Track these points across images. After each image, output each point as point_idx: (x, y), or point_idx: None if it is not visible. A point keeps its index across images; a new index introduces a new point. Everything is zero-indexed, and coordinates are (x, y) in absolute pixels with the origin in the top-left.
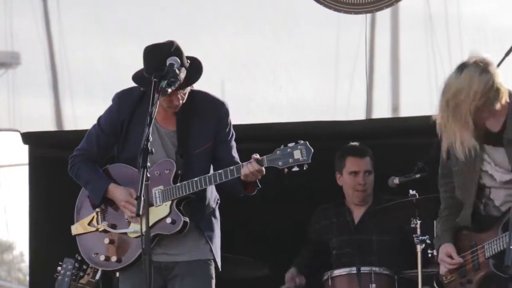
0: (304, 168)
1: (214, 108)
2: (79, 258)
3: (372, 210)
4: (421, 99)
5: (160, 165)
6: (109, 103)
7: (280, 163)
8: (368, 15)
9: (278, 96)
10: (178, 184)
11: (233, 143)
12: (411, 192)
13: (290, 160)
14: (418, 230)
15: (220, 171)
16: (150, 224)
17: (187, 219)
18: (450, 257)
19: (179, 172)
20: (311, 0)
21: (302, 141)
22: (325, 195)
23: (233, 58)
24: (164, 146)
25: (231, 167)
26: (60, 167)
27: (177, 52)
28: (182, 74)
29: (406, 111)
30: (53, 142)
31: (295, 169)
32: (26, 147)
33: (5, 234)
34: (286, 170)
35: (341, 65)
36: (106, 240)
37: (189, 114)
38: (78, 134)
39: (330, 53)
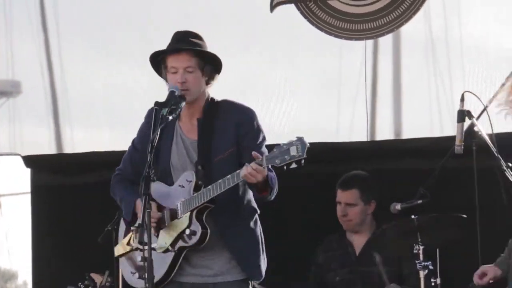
0: (302, 164)
1: (235, 114)
2: (82, 286)
3: (371, 240)
4: (423, 123)
5: (183, 177)
6: (108, 128)
7: (277, 161)
8: (369, 40)
9: (280, 120)
10: (195, 194)
11: (264, 150)
12: (414, 219)
13: (287, 157)
14: (421, 256)
15: (224, 178)
16: (174, 237)
17: (207, 229)
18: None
19: (200, 182)
20: (312, 27)
21: (297, 137)
22: (329, 222)
23: (236, 83)
24: (189, 156)
25: (232, 173)
26: (62, 194)
27: (204, 44)
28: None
29: (408, 135)
30: (54, 166)
31: (293, 166)
32: (28, 175)
33: (7, 262)
34: (285, 167)
35: (343, 90)
36: (139, 258)
37: (211, 122)
38: (77, 157)
39: (332, 78)
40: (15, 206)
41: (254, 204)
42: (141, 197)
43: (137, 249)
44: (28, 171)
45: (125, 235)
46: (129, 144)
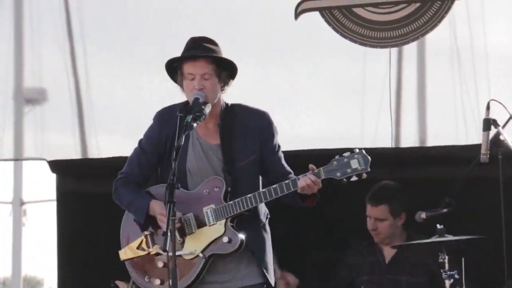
0: (363, 177)
1: (256, 119)
2: None
3: (399, 249)
4: (448, 130)
5: (208, 183)
6: (133, 135)
7: (338, 173)
8: (394, 49)
9: (305, 127)
10: (231, 201)
11: (281, 154)
12: (438, 226)
13: (348, 170)
14: (446, 265)
15: (275, 185)
16: (205, 244)
17: (243, 237)
18: None
19: (229, 189)
20: (336, 35)
21: (357, 150)
22: (352, 228)
23: (259, 90)
24: (209, 161)
25: (286, 181)
26: (88, 201)
27: (219, 49)
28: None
29: (433, 142)
30: (80, 171)
31: (354, 178)
32: (53, 182)
33: (33, 270)
34: (345, 180)
35: (367, 97)
36: (160, 264)
37: (231, 127)
38: (102, 162)
39: (356, 85)
40: (40, 213)
41: (265, 207)
42: (166, 205)
43: (157, 254)
44: (53, 177)
45: (128, 238)
46: None
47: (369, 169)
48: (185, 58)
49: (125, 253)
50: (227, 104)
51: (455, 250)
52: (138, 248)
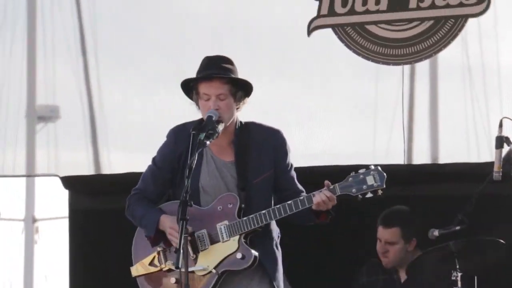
0: (379, 194)
1: (270, 137)
2: None
3: (409, 265)
4: (460, 148)
5: (222, 199)
6: (146, 151)
7: (353, 190)
8: (407, 66)
9: (317, 144)
10: (245, 218)
11: (294, 173)
12: (451, 244)
13: (364, 186)
14: (459, 283)
15: (289, 202)
16: (218, 260)
17: (256, 253)
18: None
19: (243, 205)
20: (349, 52)
21: (373, 166)
22: (361, 247)
23: (270, 108)
24: (223, 178)
25: (301, 197)
26: (101, 218)
27: (235, 68)
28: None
29: (445, 160)
30: (93, 187)
31: (369, 195)
32: (66, 199)
33: None
34: (360, 196)
35: (380, 114)
36: (173, 280)
37: (246, 144)
38: (115, 178)
39: (369, 102)
40: (53, 230)
41: (276, 225)
42: (178, 222)
43: (169, 270)
44: (66, 194)
45: (140, 254)
46: None
47: (384, 186)
48: (200, 78)
49: (136, 270)
50: (241, 122)
51: (468, 268)
52: (150, 264)
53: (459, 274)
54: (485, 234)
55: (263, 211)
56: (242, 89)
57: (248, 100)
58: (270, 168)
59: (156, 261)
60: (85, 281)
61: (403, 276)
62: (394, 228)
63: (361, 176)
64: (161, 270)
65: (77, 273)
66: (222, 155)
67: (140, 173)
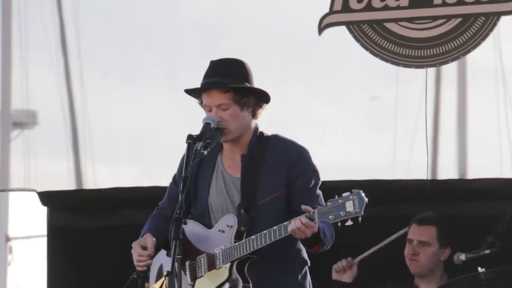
0: (359, 222)
1: (286, 152)
2: None
3: None
4: (491, 162)
5: (223, 221)
6: (133, 163)
7: (331, 216)
8: (431, 69)
9: (329, 156)
10: (237, 243)
11: (317, 194)
12: (480, 270)
13: (341, 213)
14: None
15: (265, 231)
16: None
17: (249, 284)
18: None
19: (242, 229)
20: (365, 52)
21: (355, 190)
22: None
23: (277, 115)
24: (230, 196)
25: (275, 227)
26: (83, 238)
27: (244, 71)
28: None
29: (474, 175)
30: (74, 203)
31: (349, 223)
32: (44, 216)
33: None
34: (339, 224)
35: (400, 123)
36: None
37: (258, 159)
38: (99, 194)
39: (388, 109)
40: (29, 251)
41: (305, 255)
42: (171, 241)
43: None
44: (44, 210)
45: (154, 277)
46: (157, 180)
47: (363, 213)
48: (199, 91)
49: None
50: (261, 134)
51: None
52: None
53: None
54: None
55: (252, 237)
56: (248, 94)
57: (265, 105)
58: (280, 187)
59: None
60: None
61: None
62: (430, 226)
63: (340, 201)
64: None
65: None
66: (232, 170)
67: (127, 188)
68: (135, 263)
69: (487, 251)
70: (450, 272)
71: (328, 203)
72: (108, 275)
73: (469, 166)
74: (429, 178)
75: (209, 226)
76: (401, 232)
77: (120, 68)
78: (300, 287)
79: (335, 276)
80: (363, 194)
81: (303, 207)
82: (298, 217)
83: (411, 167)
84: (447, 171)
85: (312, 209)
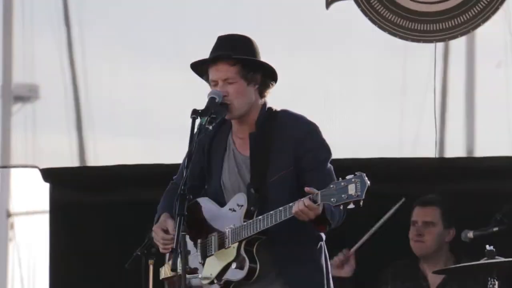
0: (360, 205)
1: (295, 128)
2: None
3: (441, 271)
4: (500, 139)
5: (234, 200)
6: (138, 138)
7: (333, 199)
8: (439, 43)
9: (334, 132)
10: (245, 223)
11: (328, 170)
12: (488, 247)
13: (344, 196)
14: None
15: (272, 212)
16: (220, 268)
17: (256, 264)
18: None
19: (252, 208)
20: (374, 27)
21: (358, 173)
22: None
23: (283, 91)
24: (241, 176)
25: (281, 208)
26: (85, 214)
27: (252, 47)
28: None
29: (482, 152)
30: (76, 180)
31: (351, 206)
32: (46, 191)
33: None
34: (341, 207)
35: (408, 99)
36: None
37: (267, 137)
38: (102, 171)
39: (395, 85)
40: (31, 227)
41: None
42: (175, 218)
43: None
44: (46, 187)
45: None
46: (161, 157)
47: (363, 197)
48: (207, 63)
49: (164, 272)
50: (270, 110)
51: (507, 275)
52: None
53: (497, 282)
54: None
55: (259, 217)
56: (256, 70)
57: (273, 84)
58: (289, 165)
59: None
60: (67, 285)
61: (433, 283)
62: (434, 207)
63: (343, 183)
64: (176, 275)
65: (58, 275)
66: (243, 149)
67: (130, 166)
68: (161, 248)
69: (495, 229)
70: (457, 251)
71: (332, 186)
72: (110, 252)
73: (477, 143)
74: (437, 155)
75: (223, 204)
76: (392, 211)
77: (125, 41)
78: (314, 262)
79: (333, 272)
80: (365, 178)
81: (306, 189)
82: (301, 199)
83: (418, 144)
84: (455, 149)
85: (317, 189)
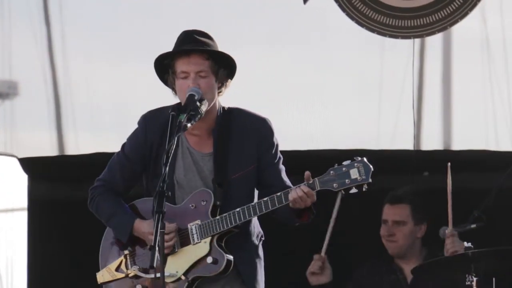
0: (364, 189)
1: (254, 126)
2: None
3: (419, 267)
4: (476, 133)
5: (195, 196)
6: (116, 130)
7: (335, 185)
8: (417, 39)
9: (314, 126)
10: (218, 217)
11: (282, 167)
12: (466, 244)
13: (347, 180)
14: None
15: (265, 198)
16: (188, 265)
17: (231, 257)
18: None
19: (218, 203)
20: (351, 22)
21: (359, 158)
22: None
23: (262, 86)
24: (199, 173)
25: (278, 193)
26: (66, 207)
27: (216, 45)
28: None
29: (459, 146)
30: (56, 170)
31: (353, 191)
32: (24, 190)
33: None
34: (343, 192)
35: (385, 93)
36: (139, 287)
37: (227, 134)
38: (80, 159)
39: (373, 80)
40: (9, 224)
41: (259, 227)
42: (153, 215)
43: (136, 277)
44: (25, 184)
45: (108, 258)
46: None
47: (370, 180)
48: (177, 54)
49: (102, 276)
50: (223, 108)
51: (485, 271)
52: (117, 270)
53: (475, 279)
54: (504, 234)
55: (238, 209)
56: (225, 67)
57: (230, 83)
58: (252, 162)
59: (123, 267)
60: (45, 283)
61: (409, 274)
62: (403, 204)
63: (344, 168)
64: (127, 276)
65: (36, 273)
66: (199, 146)
67: (109, 153)
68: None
69: (473, 226)
70: (435, 247)
71: (331, 171)
72: (89, 249)
73: (454, 137)
74: (414, 148)
75: (173, 203)
76: (338, 201)
77: (103, 36)
78: (260, 258)
79: (313, 281)
80: (368, 162)
81: (306, 174)
82: (298, 186)
83: (396, 137)
84: (432, 142)
85: (276, 183)
